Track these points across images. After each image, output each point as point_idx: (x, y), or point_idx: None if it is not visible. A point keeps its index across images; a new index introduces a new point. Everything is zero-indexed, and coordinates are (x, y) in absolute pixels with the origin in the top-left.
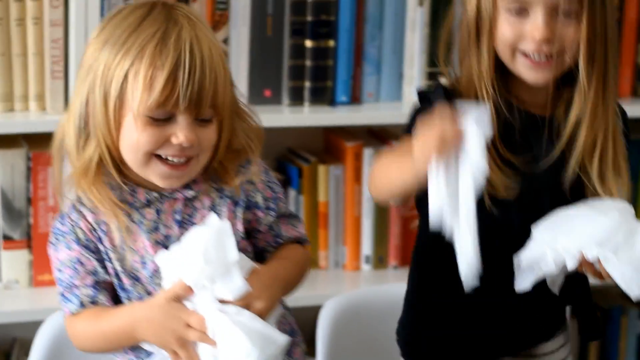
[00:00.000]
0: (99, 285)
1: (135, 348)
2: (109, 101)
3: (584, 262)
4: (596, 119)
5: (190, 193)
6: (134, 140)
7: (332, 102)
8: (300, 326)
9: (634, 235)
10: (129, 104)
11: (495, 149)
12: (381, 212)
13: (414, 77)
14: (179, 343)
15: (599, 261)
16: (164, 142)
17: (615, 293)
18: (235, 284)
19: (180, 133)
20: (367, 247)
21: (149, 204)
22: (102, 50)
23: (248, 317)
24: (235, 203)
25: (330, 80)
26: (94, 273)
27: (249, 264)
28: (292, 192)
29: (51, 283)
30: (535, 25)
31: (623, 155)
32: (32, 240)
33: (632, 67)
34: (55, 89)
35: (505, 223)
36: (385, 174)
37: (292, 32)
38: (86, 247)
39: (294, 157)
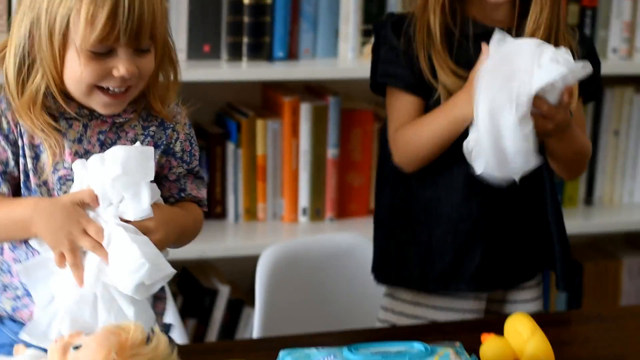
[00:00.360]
0: (5, 175)
1: (16, 247)
2: (54, 37)
3: (537, 104)
4: (547, 30)
5: (119, 119)
6: (77, 74)
7: (269, 57)
8: (240, 276)
9: (545, 46)
10: (72, 39)
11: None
12: (318, 166)
13: (350, 34)
14: (71, 246)
15: (545, 89)
16: (105, 75)
17: None
18: (142, 206)
19: (121, 66)
20: (304, 199)
21: (78, 118)
22: None
23: (144, 239)
24: (156, 145)
25: (268, 36)
26: (4, 163)
27: (157, 196)
28: (230, 146)
29: None
30: None
31: None
32: None
33: None
34: None
35: (463, 137)
36: (427, 129)
37: None
38: (6, 138)
39: (232, 111)
